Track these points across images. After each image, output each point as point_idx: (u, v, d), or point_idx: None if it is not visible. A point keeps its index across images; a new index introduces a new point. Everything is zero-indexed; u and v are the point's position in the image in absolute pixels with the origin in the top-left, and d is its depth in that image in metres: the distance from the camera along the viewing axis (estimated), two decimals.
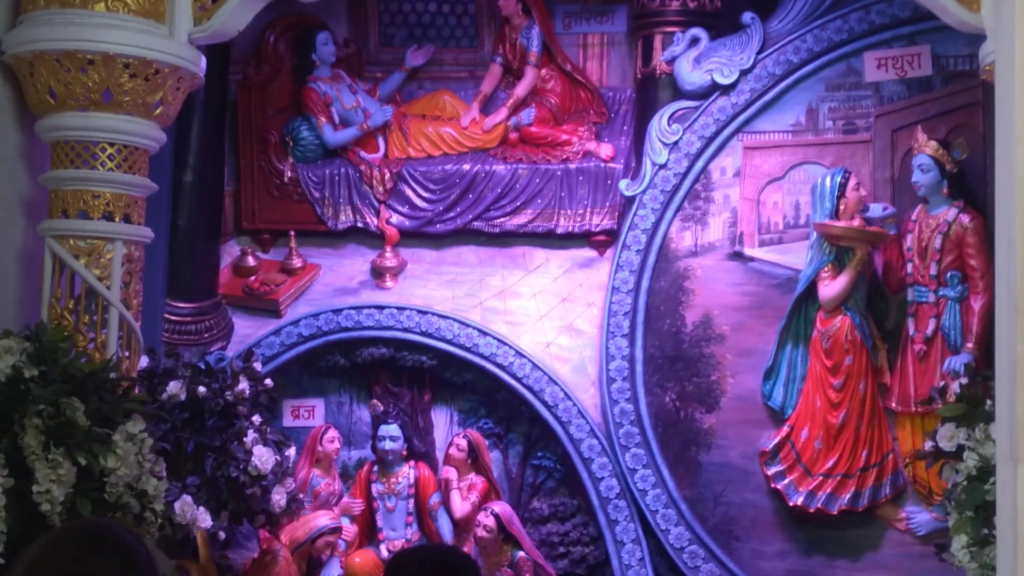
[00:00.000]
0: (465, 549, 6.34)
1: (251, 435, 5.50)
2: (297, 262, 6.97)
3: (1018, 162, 3.86)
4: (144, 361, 5.19)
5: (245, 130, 7.01)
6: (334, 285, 6.96)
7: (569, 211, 6.82)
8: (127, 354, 4.85)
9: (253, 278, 6.93)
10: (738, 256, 6.58)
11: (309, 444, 6.49)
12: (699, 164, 6.62)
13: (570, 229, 6.83)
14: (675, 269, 6.62)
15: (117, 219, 4.81)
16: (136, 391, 4.78)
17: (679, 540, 6.42)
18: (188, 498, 5.11)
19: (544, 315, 6.76)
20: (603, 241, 6.81)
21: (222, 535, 5.41)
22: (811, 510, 6.28)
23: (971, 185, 6.11)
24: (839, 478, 6.26)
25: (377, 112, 7.02)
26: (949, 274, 6.10)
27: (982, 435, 4.55)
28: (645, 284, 6.59)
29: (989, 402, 4.60)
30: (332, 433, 6.56)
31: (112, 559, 1.77)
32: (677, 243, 6.64)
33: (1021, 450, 3.75)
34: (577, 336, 6.72)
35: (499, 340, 6.68)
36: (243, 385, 5.59)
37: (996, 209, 4.22)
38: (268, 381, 5.83)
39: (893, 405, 6.26)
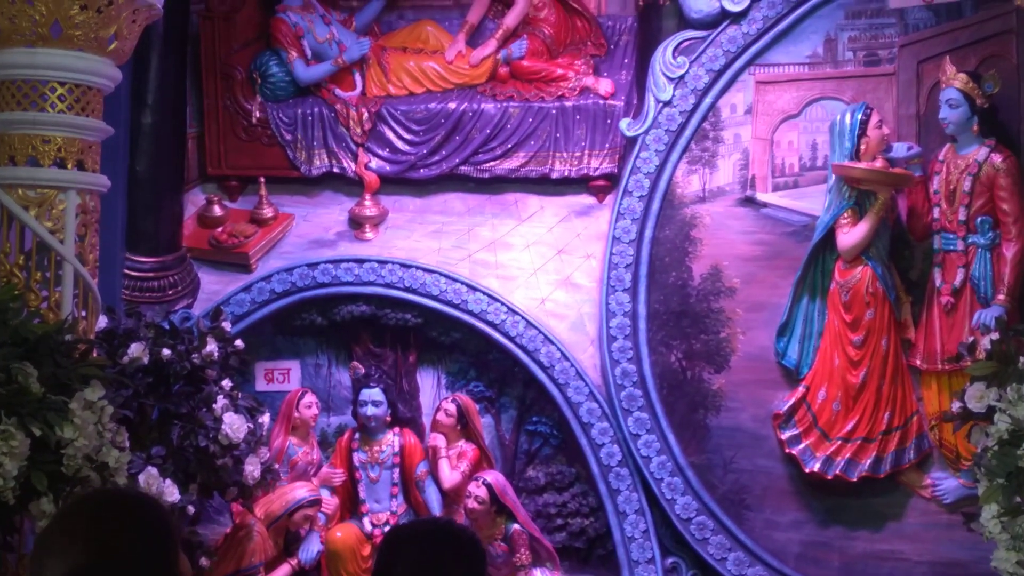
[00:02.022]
0: None
1: (221, 401, 5.52)
2: (268, 211, 6.96)
3: None
4: (103, 321, 5.19)
5: (209, 66, 6.97)
6: (309, 237, 6.96)
7: (565, 154, 6.81)
8: (84, 314, 4.83)
9: (220, 229, 6.92)
10: (750, 201, 6.58)
11: (284, 410, 6.50)
12: (707, 101, 6.59)
13: (566, 173, 6.82)
14: (681, 217, 6.62)
15: (70, 166, 4.77)
16: (94, 354, 4.76)
17: (686, 510, 6.47)
18: (153, 470, 5.12)
19: (538, 268, 6.76)
20: (602, 186, 6.80)
21: (191, 509, 5.43)
22: (829, 477, 6.33)
23: (1004, 122, 6.10)
24: (859, 442, 6.30)
25: (353, 45, 6.97)
26: (979, 219, 6.11)
27: (1014, 395, 4.57)
28: (648, 233, 6.59)
29: (1022, 359, 4.61)
30: (309, 398, 6.58)
31: (134, 524, 1.81)
32: (683, 188, 6.63)
33: None
34: (575, 291, 6.73)
35: (490, 296, 6.69)
36: (211, 347, 5.59)
37: None
38: (238, 342, 5.84)
39: (918, 363, 6.30)
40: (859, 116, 6.29)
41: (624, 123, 6.66)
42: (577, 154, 6.80)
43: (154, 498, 1.98)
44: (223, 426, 5.43)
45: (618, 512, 6.52)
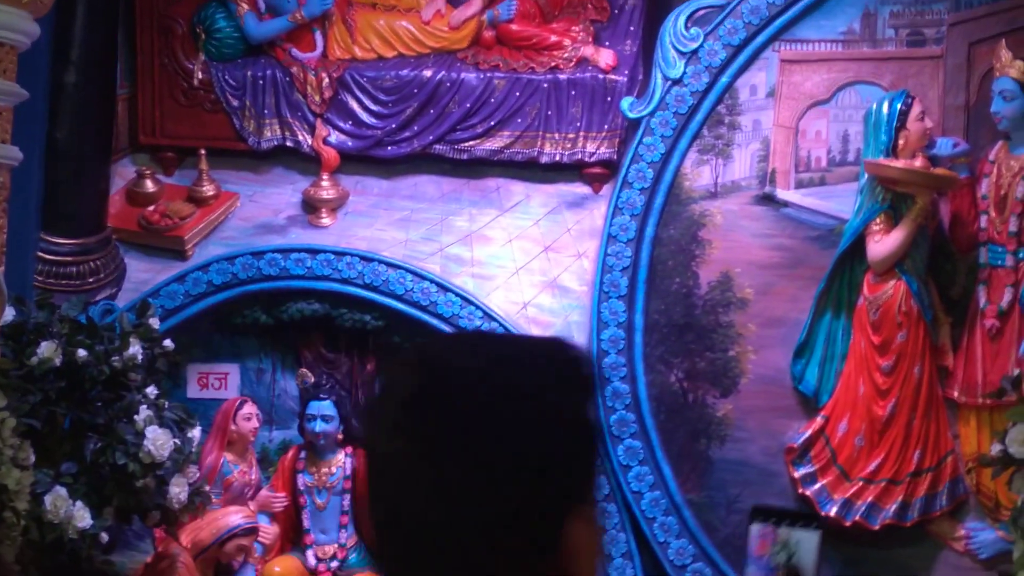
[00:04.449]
0: None
1: (144, 411, 5.54)
2: (209, 189, 6.95)
3: None
4: (10, 314, 5.19)
5: (144, 18, 6.95)
6: (255, 220, 6.96)
7: (557, 135, 6.81)
8: None
9: (152, 208, 6.90)
10: (768, 199, 6.59)
11: (220, 422, 6.52)
12: (723, 80, 6.59)
13: (557, 158, 6.83)
14: (688, 214, 6.63)
15: None
16: None
17: (680, 556, 6.51)
18: (62, 490, 5.16)
19: (521, 267, 6.78)
20: (599, 175, 6.81)
21: (104, 537, 5.45)
22: (847, 523, 6.35)
23: None
24: (884, 484, 6.34)
25: None
26: None
27: None
28: (650, 232, 6.60)
29: None
30: (249, 408, 6.59)
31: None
32: (692, 181, 6.63)
33: None
34: (562, 295, 6.75)
35: (463, 297, 6.70)
36: (135, 348, 5.61)
37: None
38: (167, 342, 5.84)
39: (955, 395, 6.32)
40: (898, 105, 6.29)
41: (626, 102, 6.65)
42: (571, 136, 6.81)
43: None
44: (145, 442, 5.45)
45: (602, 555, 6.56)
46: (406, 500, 1.45)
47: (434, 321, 6.71)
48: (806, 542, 1.64)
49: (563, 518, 1.40)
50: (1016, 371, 5.73)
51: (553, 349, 1.51)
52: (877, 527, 6.34)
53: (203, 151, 6.95)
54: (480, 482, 1.41)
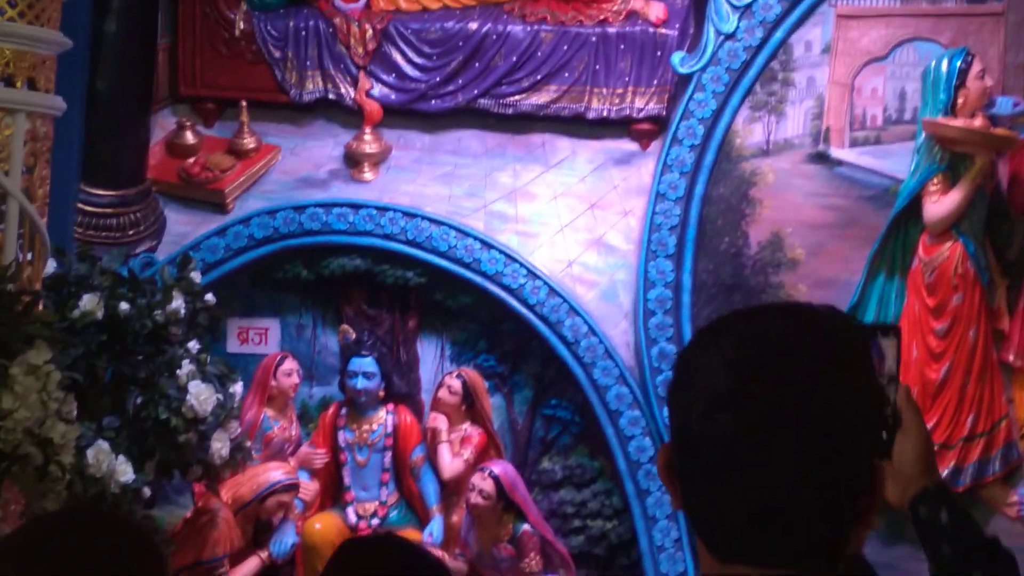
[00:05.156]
0: (455, 518, 6.45)
1: (186, 366, 5.55)
2: (249, 142, 6.95)
3: None
4: (51, 266, 5.19)
5: None
6: (296, 174, 6.95)
7: (605, 90, 6.77)
8: (29, 258, 4.85)
9: (192, 160, 6.91)
10: (822, 158, 6.55)
11: (260, 377, 6.53)
12: (778, 35, 6.55)
13: (605, 114, 6.79)
14: (739, 172, 6.59)
15: (19, 84, 4.77)
16: (40, 307, 4.78)
17: None
18: (104, 444, 5.16)
19: (566, 224, 6.76)
20: (647, 131, 6.77)
21: (147, 492, 5.47)
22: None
23: None
24: (936, 448, 6.29)
25: None
26: None
27: None
28: (699, 190, 6.57)
29: None
30: (290, 364, 6.59)
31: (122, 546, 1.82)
32: (744, 138, 6.60)
33: None
34: (608, 254, 6.72)
35: (507, 255, 6.69)
36: (178, 302, 5.60)
37: None
38: (209, 296, 5.84)
39: (1011, 359, 6.30)
40: (958, 63, 6.24)
41: (677, 57, 6.61)
42: (619, 91, 6.76)
43: (143, 527, 2.00)
44: (188, 396, 5.45)
45: (647, 516, 6.55)
46: (737, 477, 1.53)
47: (477, 278, 6.71)
48: (889, 349, 1.74)
49: (873, 469, 1.55)
50: None
51: (839, 318, 1.62)
52: None
53: (244, 103, 6.94)
54: (814, 448, 1.52)
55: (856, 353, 1.58)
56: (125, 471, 5.20)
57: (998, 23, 6.39)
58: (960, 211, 6.23)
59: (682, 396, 1.58)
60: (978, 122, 6.23)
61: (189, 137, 6.97)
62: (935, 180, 6.27)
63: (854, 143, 6.56)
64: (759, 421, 1.51)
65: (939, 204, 6.26)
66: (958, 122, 6.22)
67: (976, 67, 6.25)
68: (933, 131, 6.26)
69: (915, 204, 6.33)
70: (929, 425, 6.19)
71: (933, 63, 6.32)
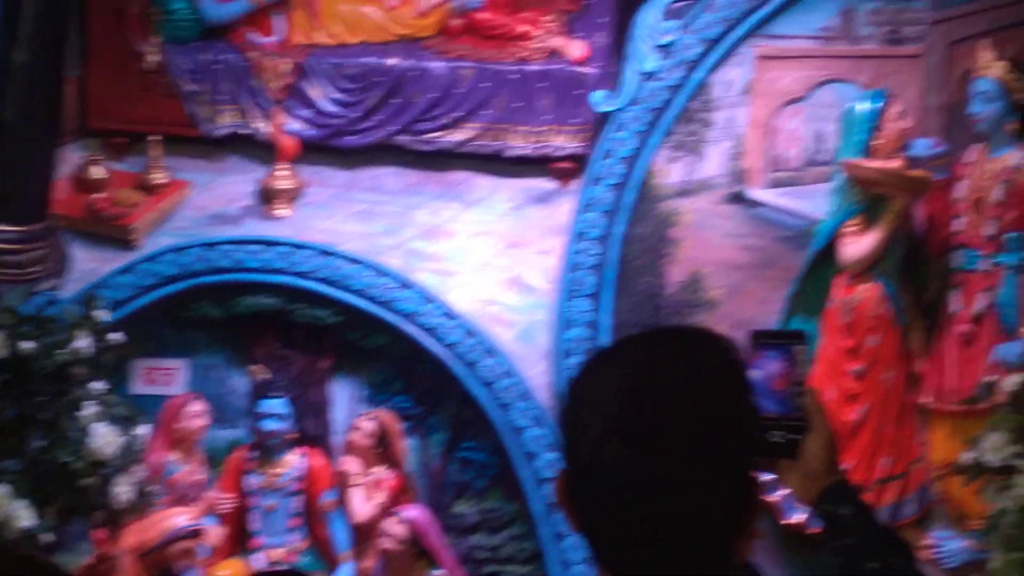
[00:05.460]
0: (367, 563, 6.38)
1: (89, 407, 5.50)
2: (159, 177, 6.87)
3: None
4: None
5: None
6: (208, 210, 6.88)
7: (524, 128, 6.77)
8: None
9: (100, 195, 6.82)
10: (740, 198, 6.58)
11: (166, 419, 6.45)
12: (698, 75, 6.58)
13: (524, 152, 6.79)
14: (658, 212, 6.60)
15: None
16: None
17: None
18: (2, 488, 5.10)
19: (485, 263, 6.74)
20: (567, 170, 6.76)
21: (48, 537, 5.40)
22: (814, 530, 6.32)
23: None
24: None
25: None
26: (1010, 236, 6.14)
27: None
28: (619, 229, 6.58)
29: None
30: (197, 406, 6.53)
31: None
32: (662, 178, 6.62)
33: None
34: (527, 293, 6.71)
35: (424, 295, 6.65)
36: (84, 341, 5.54)
37: None
38: (117, 335, 5.81)
39: (926, 401, 6.30)
40: (876, 105, 6.29)
41: (597, 96, 6.63)
42: (538, 129, 6.77)
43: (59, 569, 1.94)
44: (90, 439, 5.40)
45: (562, 561, 6.49)
46: (630, 498, 1.62)
47: (393, 318, 6.67)
48: (799, 355, 1.73)
49: (752, 486, 1.66)
50: (990, 377, 5.73)
51: (712, 340, 1.70)
52: None
53: (154, 137, 6.86)
54: (700, 467, 1.62)
55: (734, 374, 1.67)
56: (25, 516, 5.13)
57: (916, 65, 6.46)
58: (878, 252, 6.25)
59: (576, 422, 1.66)
60: (896, 163, 6.27)
61: (97, 172, 6.88)
62: (853, 221, 6.30)
63: (773, 184, 6.59)
64: (646, 445, 1.61)
65: (857, 245, 6.28)
66: (876, 163, 6.26)
67: (894, 109, 6.30)
68: (851, 172, 6.30)
69: (833, 245, 6.35)
70: (845, 467, 6.32)
71: (851, 104, 6.38)
